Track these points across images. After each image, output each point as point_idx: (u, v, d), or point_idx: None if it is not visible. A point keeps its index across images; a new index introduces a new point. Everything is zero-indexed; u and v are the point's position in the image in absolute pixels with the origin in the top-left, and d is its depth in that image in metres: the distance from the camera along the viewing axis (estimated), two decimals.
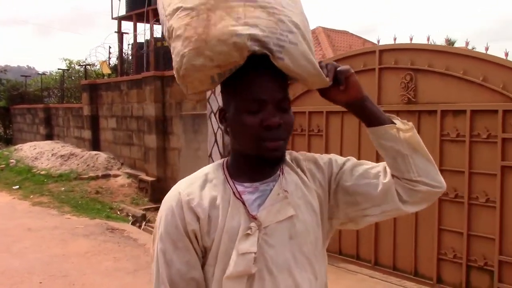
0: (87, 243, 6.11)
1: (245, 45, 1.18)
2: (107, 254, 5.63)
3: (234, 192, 1.24)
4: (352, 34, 18.65)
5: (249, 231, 1.20)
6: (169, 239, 1.21)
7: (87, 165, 10.49)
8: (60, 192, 9.38)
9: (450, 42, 27.34)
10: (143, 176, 9.06)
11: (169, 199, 1.25)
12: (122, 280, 4.81)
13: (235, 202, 1.23)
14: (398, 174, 1.28)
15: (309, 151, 2.95)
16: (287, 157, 1.34)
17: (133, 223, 7.46)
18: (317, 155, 1.39)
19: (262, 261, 1.20)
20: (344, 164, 1.35)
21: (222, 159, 1.35)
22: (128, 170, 9.89)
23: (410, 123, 1.31)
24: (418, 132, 1.32)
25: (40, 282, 4.78)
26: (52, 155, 12.03)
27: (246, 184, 1.26)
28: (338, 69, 1.26)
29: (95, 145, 11.77)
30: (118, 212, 8.06)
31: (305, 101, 6.12)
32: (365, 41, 17.90)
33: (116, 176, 9.73)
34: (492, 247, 4.34)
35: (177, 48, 1.24)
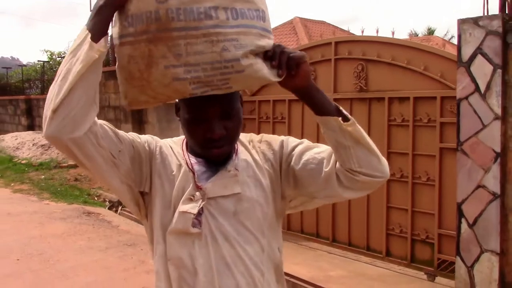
0: (63, 225, 6.46)
1: (186, 90, 1.21)
2: (82, 234, 5.99)
3: (187, 162, 1.37)
4: (329, 24, 19.00)
5: (191, 197, 1.32)
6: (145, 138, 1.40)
7: None
8: (40, 180, 9.68)
9: (430, 31, 27.90)
10: None
11: (153, 137, 1.44)
12: (94, 256, 5.18)
13: (186, 171, 1.35)
14: (341, 163, 1.31)
15: None
16: (245, 139, 1.46)
17: (110, 208, 7.80)
18: (273, 138, 1.48)
19: (207, 228, 1.32)
20: (295, 147, 1.41)
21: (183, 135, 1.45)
22: None
23: (352, 120, 1.31)
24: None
25: (18, 259, 5.13)
26: (33, 145, 12.29)
27: (199, 159, 1.39)
28: (291, 55, 1.24)
29: None
30: (96, 198, 8.39)
31: (269, 90, 6.47)
32: (342, 31, 18.30)
33: None
34: (432, 222, 4.74)
35: (120, 79, 1.27)
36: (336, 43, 5.63)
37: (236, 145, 1.42)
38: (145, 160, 1.36)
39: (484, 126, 3.91)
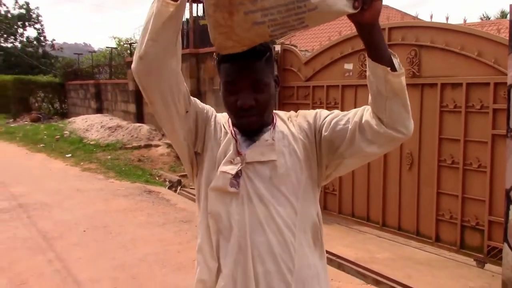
0: (126, 202, 6.89)
1: (266, 33, 1.29)
2: (142, 210, 6.38)
3: (231, 132, 1.51)
4: (392, 8, 18.54)
5: (231, 160, 1.46)
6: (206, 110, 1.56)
7: (131, 136, 11.34)
8: (107, 160, 10.26)
9: (503, 14, 26.59)
10: None
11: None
12: (152, 230, 5.54)
13: (230, 138, 1.50)
14: (374, 110, 1.38)
15: None
16: (284, 115, 1.59)
17: (170, 188, 8.19)
18: (308, 112, 1.58)
19: (244, 189, 1.45)
20: (326, 117, 1.51)
21: None
22: (168, 141, 10.66)
23: (401, 71, 1.34)
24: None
25: (84, 231, 5.57)
26: (101, 127, 12.99)
27: (239, 131, 1.52)
28: None
29: (139, 118, 12.59)
30: (157, 178, 8.82)
31: (323, 76, 6.58)
32: (407, 15, 17.84)
33: (157, 146, 10.53)
34: (483, 209, 4.72)
35: (209, 27, 1.34)
36: (390, 28, 5.62)
37: (275, 118, 1.55)
38: (201, 125, 1.51)
39: None
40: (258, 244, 1.43)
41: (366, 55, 1.36)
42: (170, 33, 1.31)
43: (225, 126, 1.54)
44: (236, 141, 1.49)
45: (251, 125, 1.48)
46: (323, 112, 1.55)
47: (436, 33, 5.12)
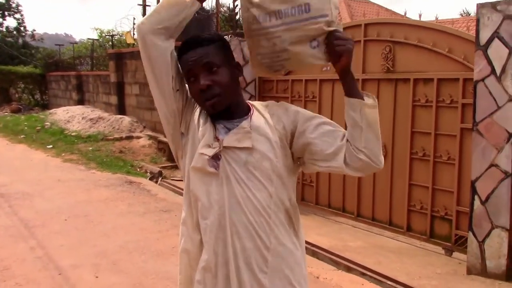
0: (107, 192, 6.98)
1: (266, 70, 1.73)
2: (123, 200, 6.48)
3: (211, 119, 1.64)
4: (374, 4, 18.84)
5: (209, 144, 1.59)
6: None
7: (113, 128, 11.38)
8: (88, 151, 10.29)
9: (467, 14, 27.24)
10: (162, 137, 9.84)
11: None
12: (133, 219, 5.65)
13: (209, 125, 1.62)
14: (351, 140, 1.54)
15: None
16: (261, 105, 1.71)
17: (151, 179, 8.28)
18: (290, 106, 1.70)
19: (223, 171, 1.57)
20: (311, 118, 1.63)
21: None
22: (149, 133, 10.71)
23: (374, 102, 1.57)
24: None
25: (65, 219, 5.66)
26: (83, 118, 12.97)
27: (218, 119, 1.65)
28: (337, 48, 1.55)
29: (121, 109, 12.60)
30: (138, 169, 8.90)
31: (302, 70, 6.74)
32: (386, 10, 18.13)
33: (138, 137, 10.59)
34: (452, 199, 4.92)
35: (250, 55, 1.79)
36: (366, 25, 5.79)
37: (252, 109, 1.67)
38: (188, 109, 1.67)
39: (499, 107, 4.07)
40: (236, 222, 1.55)
41: (344, 93, 1.59)
42: (174, 14, 1.57)
43: (206, 114, 1.67)
44: (214, 126, 1.62)
45: (215, 106, 1.59)
46: (307, 113, 1.67)
47: (409, 30, 5.30)
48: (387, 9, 18.29)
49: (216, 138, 1.59)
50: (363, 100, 1.53)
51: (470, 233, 4.38)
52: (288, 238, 1.62)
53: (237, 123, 1.61)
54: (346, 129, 1.60)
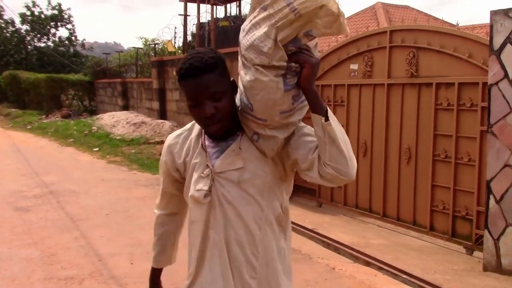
0: (146, 190, 7.45)
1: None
2: None
3: (202, 144, 1.69)
4: (413, 9, 18.76)
5: (202, 174, 1.66)
6: (161, 170, 1.85)
7: (154, 132, 11.96)
8: (131, 153, 10.88)
9: None
10: None
11: (165, 142, 1.84)
12: None
13: (201, 151, 1.69)
14: (319, 153, 1.57)
15: None
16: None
17: None
18: None
19: (215, 195, 1.65)
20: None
21: None
22: None
23: (332, 117, 1.54)
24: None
25: (107, 214, 6.14)
26: (127, 123, 13.64)
27: (211, 140, 1.69)
28: (302, 52, 1.53)
29: (162, 114, 13.17)
30: None
31: (331, 75, 7.00)
32: (425, 15, 18.07)
33: None
34: (472, 199, 5.05)
35: None
36: (391, 31, 6.00)
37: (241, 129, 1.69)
38: (177, 174, 1.79)
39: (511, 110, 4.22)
40: (228, 238, 1.67)
41: (310, 111, 1.59)
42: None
43: (193, 141, 1.74)
44: (206, 153, 1.68)
45: (217, 131, 1.64)
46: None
47: (432, 36, 5.48)
48: (426, 14, 18.22)
49: (207, 165, 1.67)
50: (325, 116, 1.53)
51: (486, 231, 4.52)
52: (276, 242, 1.72)
53: (231, 141, 1.67)
54: None
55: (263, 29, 1.47)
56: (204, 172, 1.66)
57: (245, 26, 1.57)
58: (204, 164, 1.67)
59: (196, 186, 1.67)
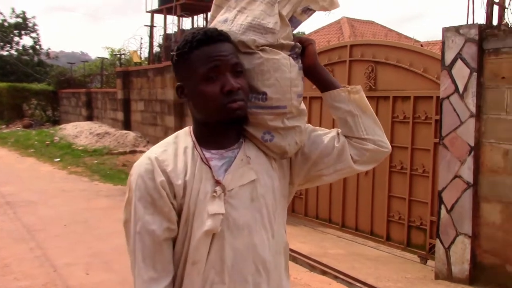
0: (106, 201, 7.38)
1: None
2: (121, 208, 6.70)
3: (201, 158, 1.30)
4: (378, 24, 19.22)
5: (214, 194, 1.27)
6: (141, 207, 1.26)
7: (118, 142, 11.87)
8: (93, 164, 10.75)
9: None
10: None
11: (140, 165, 1.29)
12: None
13: (202, 166, 1.29)
14: (349, 133, 1.38)
15: None
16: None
17: None
18: None
19: (225, 222, 1.27)
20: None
21: (187, 127, 1.41)
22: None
23: (359, 86, 1.41)
24: (377, 115, 1.45)
25: (65, 225, 6.05)
26: (90, 133, 13.48)
27: (213, 151, 1.32)
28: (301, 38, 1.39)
29: (127, 125, 13.09)
30: None
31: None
32: (389, 30, 18.55)
33: (141, 152, 11.02)
34: (426, 210, 5.21)
35: None
36: (351, 46, 6.17)
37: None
38: (175, 203, 1.29)
39: (462, 123, 4.39)
40: (235, 276, 1.32)
41: (322, 92, 1.43)
42: None
43: (187, 156, 1.32)
44: (210, 168, 1.31)
45: (242, 108, 1.29)
46: None
47: (389, 51, 5.66)
48: (390, 30, 18.70)
49: (217, 181, 1.30)
50: (347, 87, 1.40)
51: (438, 241, 4.66)
52: (286, 281, 1.44)
53: (231, 153, 1.34)
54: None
55: (258, 9, 1.35)
56: (216, 189, 1.28)
57: (223, 18, 1.39)
58: (211, 180, 1.30)
59: (209, 210, 1.27)
